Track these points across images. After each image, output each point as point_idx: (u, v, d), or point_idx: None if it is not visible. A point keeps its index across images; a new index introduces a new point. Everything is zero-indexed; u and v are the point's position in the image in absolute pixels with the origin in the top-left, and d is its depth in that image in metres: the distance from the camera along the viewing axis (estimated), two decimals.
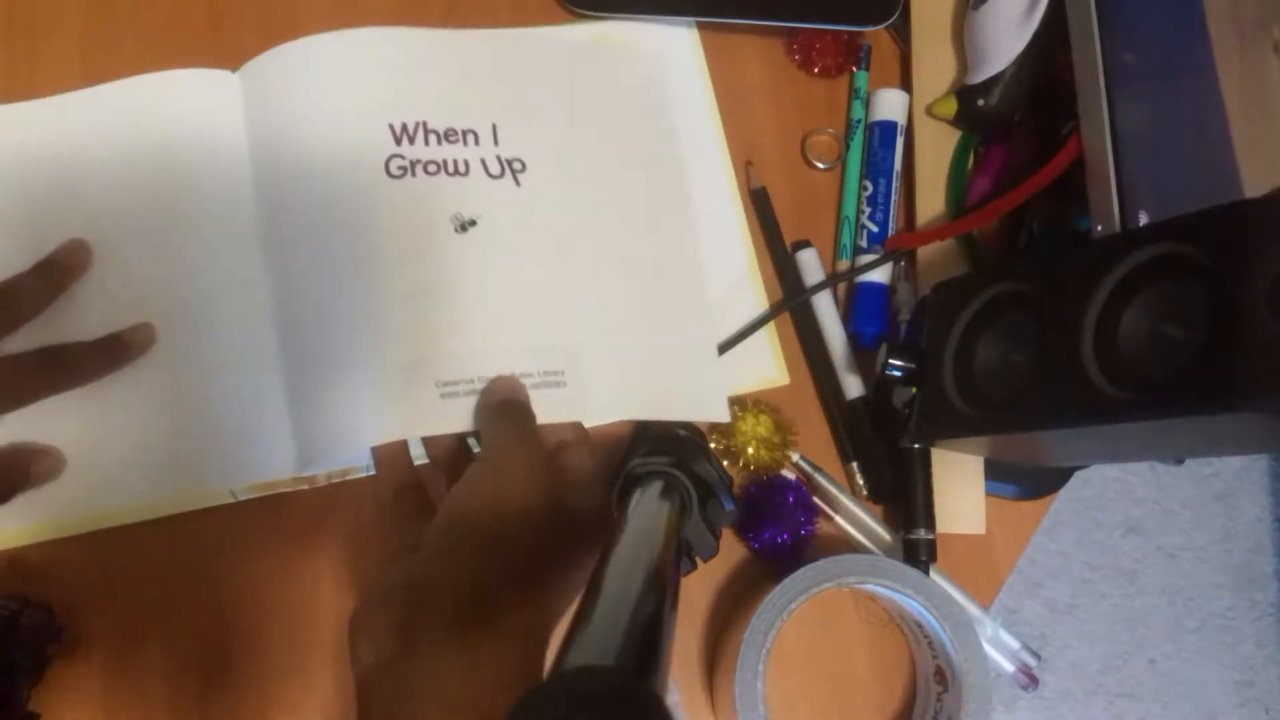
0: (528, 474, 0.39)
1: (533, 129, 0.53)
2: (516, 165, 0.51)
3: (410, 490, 0.44)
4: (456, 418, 0.45)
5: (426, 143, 0.50)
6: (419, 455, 0.48)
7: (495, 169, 0.51)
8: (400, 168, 0.49)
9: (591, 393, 0.48)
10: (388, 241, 0.48)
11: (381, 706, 0.34)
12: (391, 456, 0.45)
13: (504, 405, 0.44)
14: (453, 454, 0.46)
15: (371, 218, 0.48)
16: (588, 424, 0.48)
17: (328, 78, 0.50)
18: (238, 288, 0.49)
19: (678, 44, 0.59)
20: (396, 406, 0.45)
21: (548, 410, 0.46)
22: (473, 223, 0.49)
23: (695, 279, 0.54)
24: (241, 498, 0.49)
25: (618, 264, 0.52)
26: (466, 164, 0.50)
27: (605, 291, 0.51)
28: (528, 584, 0.36)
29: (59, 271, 0.48)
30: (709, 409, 0.52)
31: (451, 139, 0.50)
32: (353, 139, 0.49)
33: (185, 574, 0.49)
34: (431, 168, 0.49)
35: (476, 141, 0.51)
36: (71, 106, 0.52)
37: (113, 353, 0.47)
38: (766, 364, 0.55)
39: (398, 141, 0.49)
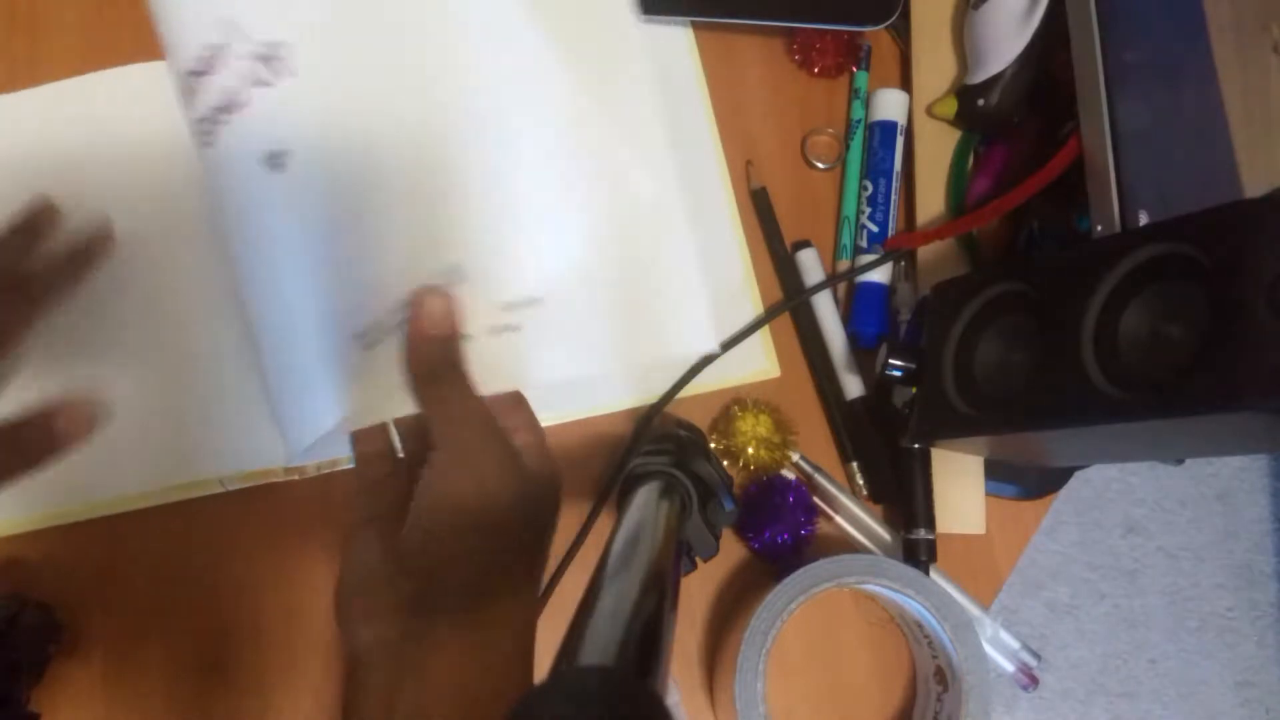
0: (495, 460, 0.36)
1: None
2: (276, 54, 0.40)
3: (380, 457, 0.41)
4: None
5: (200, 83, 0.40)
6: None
7: (254, 71, 0.41)
8: (205, 132, 0.41)
9: (553, 341, 0.41)
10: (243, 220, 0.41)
11: (380, 686, 0.34)
12: (364, 429, 0.42)
13: (435, 375, 0.38)
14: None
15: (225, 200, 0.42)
16: (544, 379, 0.41)
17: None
18: (212, 280, 0.49)
19: (673, 45, 0.59)
20: (347, 382, 0.41)
21: (495, 364, 0.39)
22: (279, 158, 0.39)
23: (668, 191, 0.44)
24: (230, 487, 0.49)
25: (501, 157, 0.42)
26: (231, 92, 0.40)
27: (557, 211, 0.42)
28: (517, 568, 0.37)
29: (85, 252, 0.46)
30: (692, 344, 0.43)
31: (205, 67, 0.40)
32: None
33: (184, 574, 0.49)
34: (219, 118, 0.40)
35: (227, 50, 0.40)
36: (41, 101, 0.51)
37: (76, 264, 0.44)
38: (758, 357, 0.55)
39: (185, 103, 0.41)
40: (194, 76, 0.41)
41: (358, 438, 0.42)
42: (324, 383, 0.42)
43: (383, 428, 0.42)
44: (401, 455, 0.43)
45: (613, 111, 0.44)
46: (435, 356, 0.37)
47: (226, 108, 0.41)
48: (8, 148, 0.51)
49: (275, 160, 0.40)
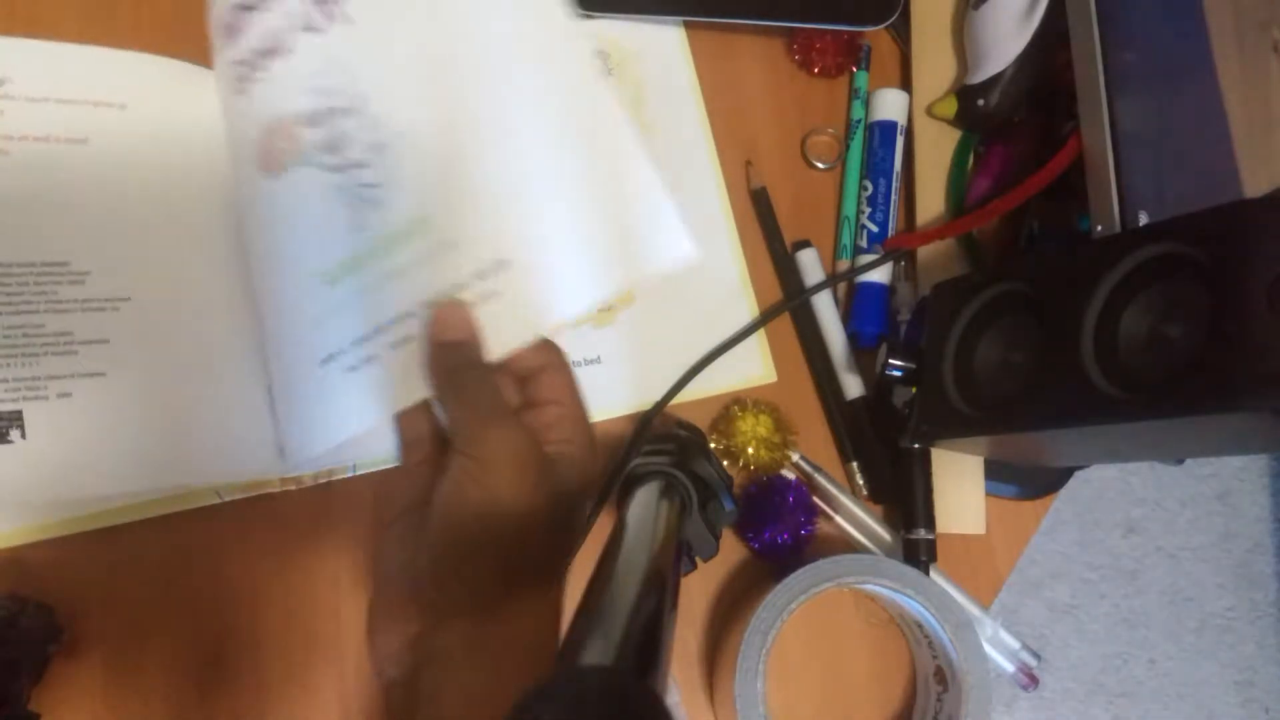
0: (515, 468, 0.35)
1: None
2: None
3: (421, 442, 0.40)
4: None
5: (242, 29, 0.39)
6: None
7: (307, 16, 0.39)
8: (239, 77, 0.40)
9: (534, 294, 0.40)
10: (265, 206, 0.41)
11: (399, 707, 0.34)
12: (408, 415, 0.40)
13: (454, 374, 0.37)
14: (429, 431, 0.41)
15: (250, 173, 0.40)
16: (544, 330, 0.40)
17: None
18: (218, 286, 0.49)
19: (666, 44, 0.58)
20: (337, 398, 0.42)
21: (492, 331, 0.38)
22: (318, 118, 0.37)
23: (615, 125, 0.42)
24: (227, 498, 0.49)
25: (511, 114, 0.41)
26: (276, 35, 0.39)
27: (513, 157, 0.40)
28: (535, 576, 0.36)
29: None
30: (669, 251, 0.40)
31: (251, 5, 0.39)
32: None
33: (185, 574, 0.49)
34: (260, 61, 0.39)
35: None
36: (65, 57, 0.50)
37: None
38: (754, 363, 0.55)
39: (226, 39, 0.40)
40: (241, 10, 0.40)
41: (401, 420, 0.40)
42: (334, 396, 0.42)
43: (425, 407, 0.40)
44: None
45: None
46: (454, 358, 0.37)
47: (268, 51, 0.39)
48: (48, 91, 0.49)
49: (314, 119, 0.38)
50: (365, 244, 0.41)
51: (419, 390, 0.39)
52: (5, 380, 0.45)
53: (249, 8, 0.40)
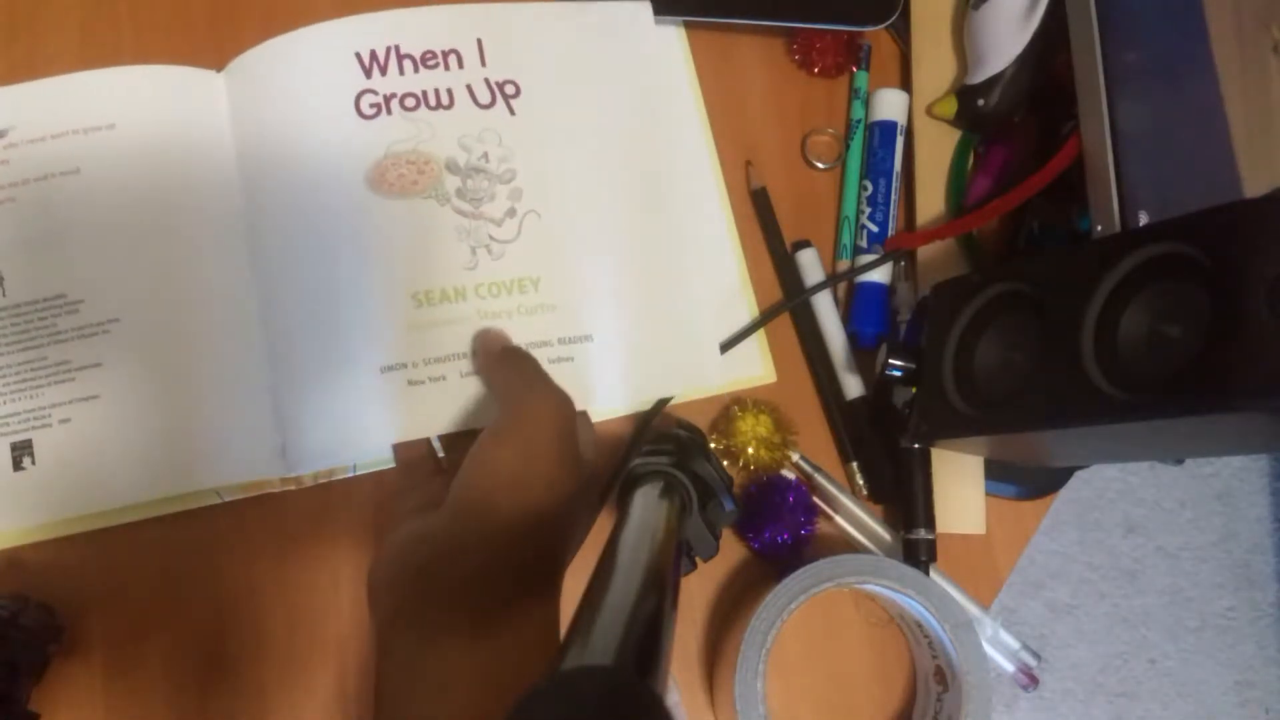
0: (558, 427, 0.36)
1: (525, 47, 0.47)
2: (509, 89, 0.45)
3: (423, 460, 0.43)
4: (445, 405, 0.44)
5: (400, 70, 0.44)
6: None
7: (485, 95, 0.45)
8: (373, 105, 0.44)
9: (597, 375, 0.47)
10: (371, 218, 0.45)
11: (394, 694, 0.33)
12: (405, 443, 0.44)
13: (510, 352, 0.42)
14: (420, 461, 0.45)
15: (353, 184, 0.44)
16: (591, 410, 0.47)
17: (310, 71, 0.49)
18: (225, 289, 0.49)
19: (665, 45, 0.58)
20: (390, 405, 0.45)
21: None
22: (476, 169, 0.44)
23: (690, 253, 0.54)
24: (227, 498, 0.49)
25: (626, 226, 0.50)
26: (450, 93, 0.44)
27: (616, 259, 0.49)
28: (552, 567, 0.35)
29: None
30: (706, 376, 0.51)
31: (430, 63, 0.44)
32: (325, 106, 0.46)
33: (185, 574, 0.49)
34: (409, 101, 0.44)
35: (460, 64, 0.45)
36: (59, 91, 0.51)
37: None
38: (754, 363, 0.55)
39: (367, 73, 0.44)
40: (405, 58, 0.45)
41: (400, 448, 0.44)
42: (386, 401, 0.43)
43: (424, 441, 0.44)
44: (442, 456, 0.44)
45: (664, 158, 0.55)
46: (507, 344, 0.43)
47: (426, 98, 0.45)
48: (44, 129, 0.51)
49: (456, 168, 0.45)
50: (472, 282, 0.46)
51: (473, 419, 0.44)
52: (17, 413, 0.48)
53: (422, 61, 0.46)
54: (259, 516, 0.50)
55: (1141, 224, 0.45)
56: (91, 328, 0.48)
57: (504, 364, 0.42)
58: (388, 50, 0.45)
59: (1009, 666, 0.53)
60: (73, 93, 0.51)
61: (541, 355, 0.45)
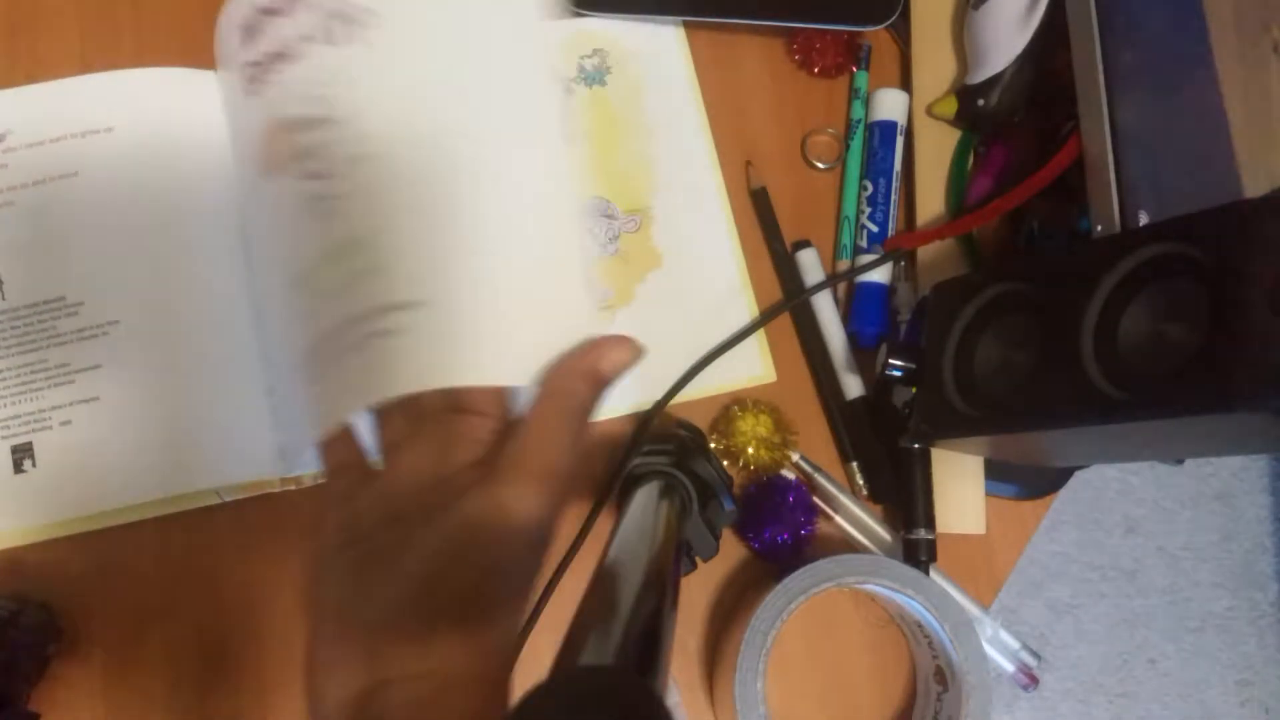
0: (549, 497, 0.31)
1: None
2: (359, 18, 0.38)
3: (349, 468, 0.36)
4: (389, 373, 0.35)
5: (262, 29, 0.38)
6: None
7: (332, 30, 0.38)
8: (251, 78, 0.39)
9: (442, 347, 0.37)
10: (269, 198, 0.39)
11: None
12: (333, 438, 0.37)
13: (576, 409, 0.35)
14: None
15: (249, 173, 0.40)
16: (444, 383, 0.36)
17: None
18: (224, 289, 0.49)
19: (665, 45, 0.58)
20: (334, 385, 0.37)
21: (387, 369, 0.36)
22: (312, 124, 0.37)
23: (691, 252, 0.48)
24: (227, 498, 0.49)
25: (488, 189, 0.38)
26: (292, 42, 0.38)
27: (471, 213, 0.38)
28: (511, 602, 0.31)
29: None
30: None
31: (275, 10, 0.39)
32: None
33: (185, 575, 0.49)
34: (272, 67, 0.38)
35: None
36: (57, 95, 0.51)
37: None
38: (754, 363, 0.55)
39: (242, 40, 0.39)
40: (264, 14, 0.40)
41: (326, 448, 0.37)
42: (298, 399, 0.40)
43: (349, 433, 0.37)
44: (375, 458, 0.37)
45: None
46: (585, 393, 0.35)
47: (280, 55, 0.39)
48: (42, 133, 0.50)
49: (306, 125, 0.37)
50: (313, 256, 0.38)
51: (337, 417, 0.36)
52: (18, 416, 0.48)
53: (272, 11, 0.40)
54: (259, 516, 0.50)
55: (1141, 224, 0.45)
56: (91, 330, 0.48)
57: (561, 417, 0.34)
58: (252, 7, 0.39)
59: (1009, 666, 0.53)
60: (71, 96, 0.51)
61: (365, 332, 0.37)
